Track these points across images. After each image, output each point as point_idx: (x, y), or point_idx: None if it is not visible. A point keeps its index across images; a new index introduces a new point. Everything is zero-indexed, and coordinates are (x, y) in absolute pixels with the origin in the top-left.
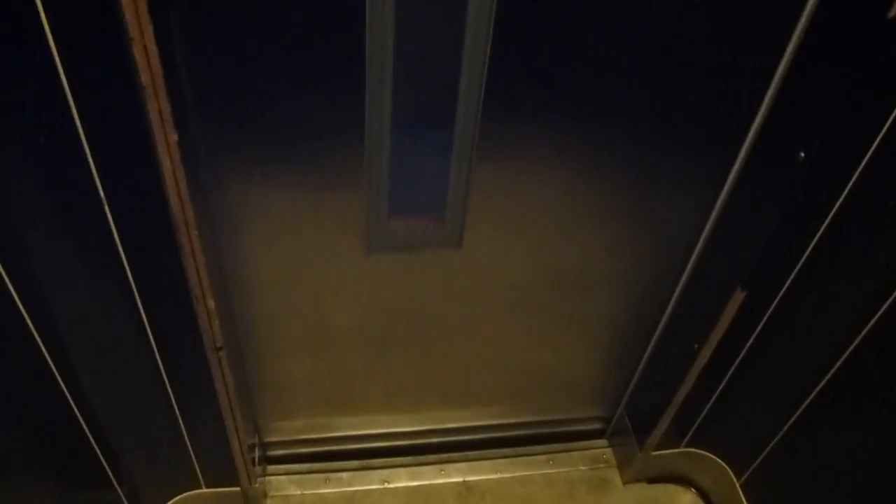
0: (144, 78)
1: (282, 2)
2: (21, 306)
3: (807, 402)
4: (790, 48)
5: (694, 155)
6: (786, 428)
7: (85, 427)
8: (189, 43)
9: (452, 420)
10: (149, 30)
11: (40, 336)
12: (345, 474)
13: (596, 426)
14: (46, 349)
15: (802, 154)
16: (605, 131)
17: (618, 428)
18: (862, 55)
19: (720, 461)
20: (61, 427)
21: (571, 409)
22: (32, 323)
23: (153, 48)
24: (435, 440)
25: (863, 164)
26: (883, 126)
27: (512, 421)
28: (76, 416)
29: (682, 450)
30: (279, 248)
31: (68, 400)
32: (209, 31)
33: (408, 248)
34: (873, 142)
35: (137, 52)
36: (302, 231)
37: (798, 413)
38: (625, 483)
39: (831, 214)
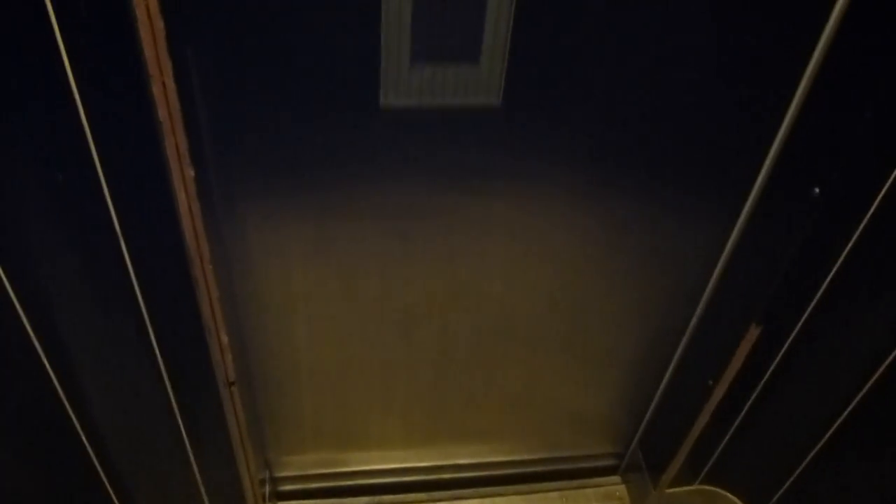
0: (162, 114)
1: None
2: (35, 339)
3: (824, 439)
4: (804, 83)
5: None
6: (803, 465)
7: (95, 460)
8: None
9: (465, 456)
10: (167, 66)
11: (52, 368)
12: None
13: (609, 462)
14: (58, 381)
15: (817, 190)
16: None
17: (631, 464)
18: (876, 90)
19: (736, 499)
20: (72, 461)
21: (584, 445)
22: (45, 356)
23: (171, 84)
24: (447, 476)
25: (878, 199)
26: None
27: (525, 457)
28: (87, 449)
29: (696, 487)
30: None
31: (79, 434)
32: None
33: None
34: (889, 177)
35: (156, 89)
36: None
37: (815, 450)
38: None
39: (847, 250)
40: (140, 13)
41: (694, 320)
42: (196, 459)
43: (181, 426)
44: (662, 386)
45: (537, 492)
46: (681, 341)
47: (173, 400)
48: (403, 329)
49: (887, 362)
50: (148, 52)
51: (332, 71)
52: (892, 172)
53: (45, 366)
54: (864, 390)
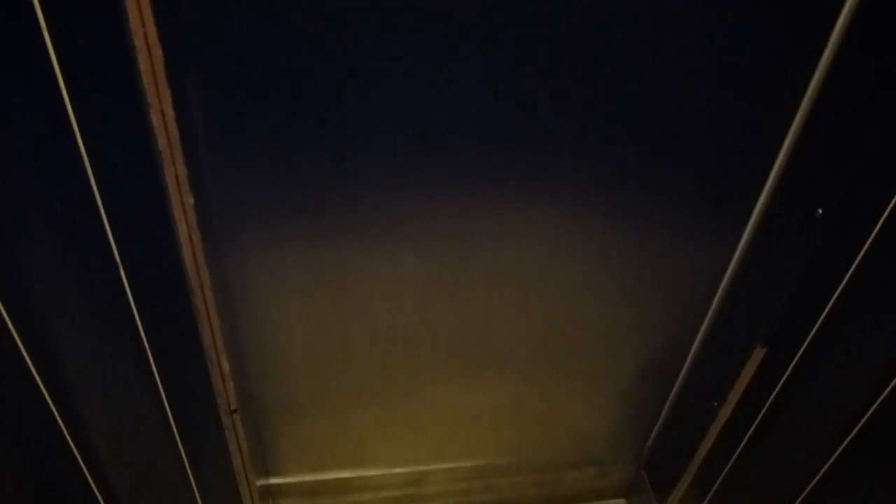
0: (161, 143)
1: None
2: (33, 369)
3: (831, 460)
4: (805, 104)
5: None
6: (810, 486)
7: (95, 489)
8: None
9: (470, 479)
10: (167, 95)
11: (52, 399)
12: None
13: (615, 484)
14: (58, 412)
15: (820, 210)
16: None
17: (636, 486)
18: (878, 110)
19: None
20: (74, 490)
21: (589, 467)
22: (45, 387)
23: (170, 113)
24: (452, 501)
25: (882, 219)
26: None
27: (529, 479)
28: (87, 478)
29: None
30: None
31: (80, 463)
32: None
33: None
34: (893, 197)
35: (155, 118)
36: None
37: (822, 471)
38: None
39: (851, 270)
40: (138, 41)
41: (698, 341)
42: (198, 486)
43: (183, 454)
44: (667, 407)
45: None
46: (685, 362)
47: (175, 428)
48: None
49: (891, 385)
50: (146, 81)
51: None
52: (895, 192)
53: (45, 397)
54: (871, 411)
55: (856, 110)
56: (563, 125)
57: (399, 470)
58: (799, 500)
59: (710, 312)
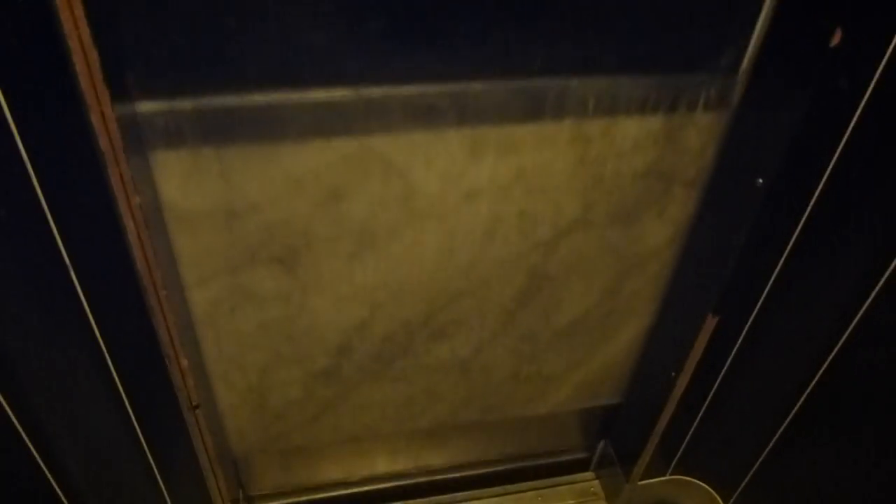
0: (104, 143)
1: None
2: None
3: (786, 422)
4: (741, 77)
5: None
6: (768, 449)
7: (60, 492)
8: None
9: (438, 459)
10: (105, 96)
11: (10, 406)
12: None
13: (581, 456)
14: (17, 418)
15: (760, 180)
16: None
17: (603, 459)
18: (810, 83)
19: (707, 486)
20: (37, 497)
21: (555, 442)
22: (1, 395)
23: (111, 113)
24: (422, 481)
25: (819, 187)
26: (836, 149)
27: (496, 456)
28: (52, 484)
29: (668, 478)
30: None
31: (43, 469)
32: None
33: None
34: (828, 166)
35: (95, 119)
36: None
37: (779, 433)
38: None
39: (794, 237)
40: (73, 44)
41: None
42: (166, 485)
43: (148, 454)
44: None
45: (513, 493)
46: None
47: (138, 429)
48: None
49: (840, 343)
50: (84, 83)
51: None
52: (830, 161)
53: (1, 404)
54: (820, 373)
55: (789, 84)
56: None
57: (369, 458)
58: (759, 461)
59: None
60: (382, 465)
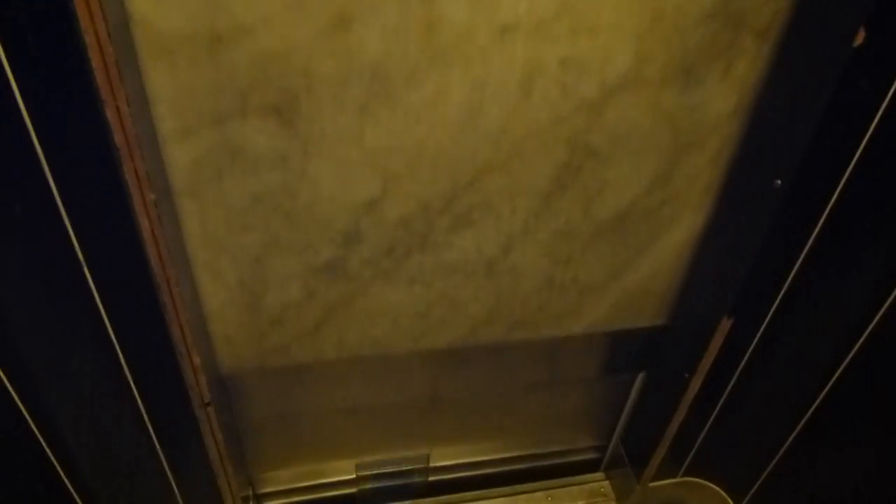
0: (119, 139)
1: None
2: (1, 373)
3: (800, 424)
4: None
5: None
6: (781, 452)
7: (72, 489)
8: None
9: (448, 458)
10: (121, 91)
11: (21, 401)
12: None
13: (592, 457)
14: (29, 414)
15: (779, 182)
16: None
17: (614, 460)
18: (831, 84)
19: (719, 489)
20: (48, 492)
21: (566, 443)
22: (14, 390)
23: (126, 109)
24: (432, 479)
25: (839, 188)
26: (856, 152)
27: (506, 456)
28: (63, 479)
29: (679, 480)
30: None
31: (54, 464)
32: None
33: None
34: (847, 167)
35: (110, 114)
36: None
37: (792, 436)
38: None
39: (811, 240)
40: (90, 39)
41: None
42: (176, 482)
43: (159, 451)
44: (640, 380)
45: (522, 492)
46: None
47: (150, 425)
48: (381, 220)
49: (854, 349)
50: (100, 78)
51: None
52: (850, 163)
53: (14, 399)
54: (836, 376)
55: (810, 84)
56: None
57: (380, 455)
58: (771, 464)
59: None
60: (392, 463)
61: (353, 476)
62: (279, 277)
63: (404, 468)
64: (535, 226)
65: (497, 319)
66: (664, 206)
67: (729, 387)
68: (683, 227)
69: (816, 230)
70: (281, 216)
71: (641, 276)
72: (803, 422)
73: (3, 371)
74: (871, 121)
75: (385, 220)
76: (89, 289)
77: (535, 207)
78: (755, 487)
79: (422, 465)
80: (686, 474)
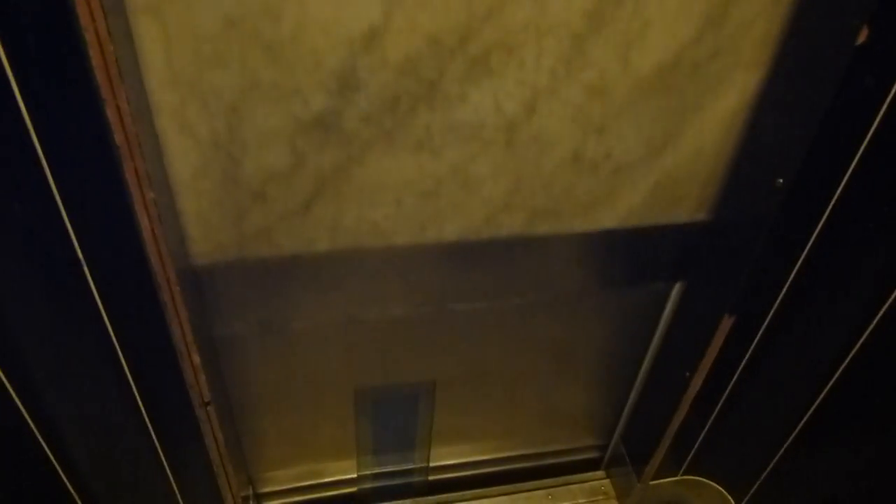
0: (119, 138)
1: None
2: (1, 374)
3: (801, 424)
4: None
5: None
6: (782, 451)
7: (71, 489)
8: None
9: (448, 457)
10: (121, 90)
11: (21, 400)
12: None
13: (593, 456)
14: (28, 413)
15: (780, 180)
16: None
17: (614, 458)
18: (834, 81)
19: (719, 488)
20: (48, 491)
21: (567, 441)
22: (14, 389)
23: (126, 108)
24: (432, 478)
25: (841, 187)
26: (858, 149)
27: (507, 455)
28: (62, 479)
29: (680, 478)
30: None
31: (54, 464)
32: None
33: None
34: (850, 165)
35: (111, 113)
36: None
37: (793, 435)
38: None
39: (813, 237)
40: (90, 37)
41: (667, 312)
42: (176, 481)
43: (159, 450)
44: (640, 378)
45: (523, 491)
46: (655, 334)
47: (150, 424)
48: (382, 59)
49: (856, 348)
50: (100, 77)
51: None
52: (852, 161)
53: (13, 399)
54: (836, 375)
55: (812, 82)
56: None
57: (380, 454)
58: (772, 463)
59: (678, 283)
60: (393, 461)
61: (354, 475)
62: (261, 135)
63: (404, 469)
64: (564, 78)
65: (517, 205)
66: (714, 59)
67: (730, 385)
68: (735, 90)
69: (818, 228)
70: (261, 49)
71: (684, 154)
72: (804, 421)
73: (2, 371)
74: (875, 118)
75: (387, 60)
76: (89, 287)
77: (564, 52)
78: (756, 486)
79: (427, 390)
80: (687, 473)
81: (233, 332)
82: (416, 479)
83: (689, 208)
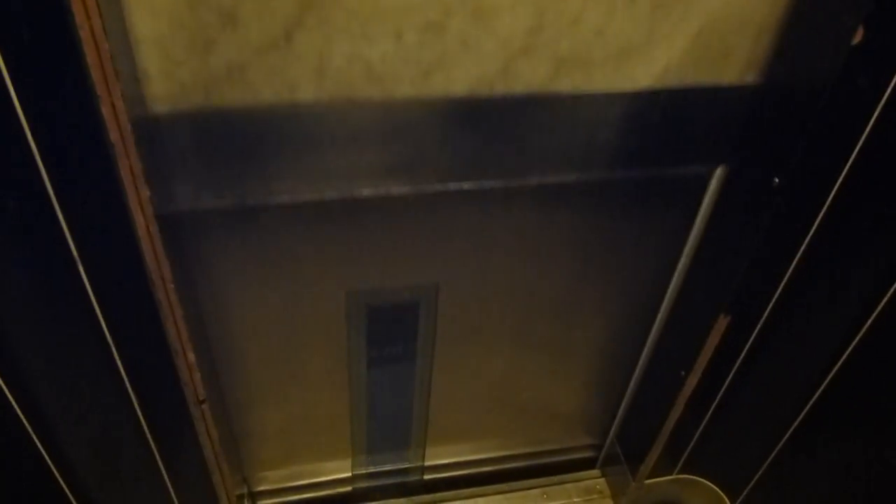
0: (114, 135)
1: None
2: None
3: (796, 423)
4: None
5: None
6: (777, 450)
7: (65, 487)
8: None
9: (444, 456)
10: (116, 87)
11: (15, 399)
12: None
13: (587, 455)
14: (21, 411)
15: (777, 179)
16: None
17: (609, 457)
18: (829, 81)
19: (714, 487)
20: (42, 489)
21: (562, 440)
22: (7, 387)
23: (121, 105)
24: (427, 478)
25: (836, 186)
26: (854, 148)
27: (502, 454)
28: (55, 476)
29: (675, 477)
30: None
31: (47, 462)
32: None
33: None
34: (845, 165)
35: (105, 110)
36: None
37: (788, 434)
38: None
39: (808, 237)
40: (84, 34)
41: (662, 311)
42: (171, 479)
43: (154, 448)
44: (635, 377)
45: (518, 490)
46: (650, 333)
47: (144, 422)
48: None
49: (851, 347)
50: (95, 74)
51: None
52: (847, 160)
53: (7, 396)
54: (832, 374)
55: (808, 82)
56: None
57: (375, 454)
58: (767, 462)
59: (674, 282)
60: (388, 461)
61: (349, 474)
62: None
63: (400, 466)
64: None
65: (538, 49)
66: None
67: (725, 384)
68: None
69: (814, 228)
70: None
71: None
72: (799, 420)
73: None
74: (870, 118)
75: None
76: (84, 286)
77: None
78: (751, 485)
79: (430, 294)
80: (682, 471)
81: (202, 206)
82: (411, 478)
83: (737, 66)
